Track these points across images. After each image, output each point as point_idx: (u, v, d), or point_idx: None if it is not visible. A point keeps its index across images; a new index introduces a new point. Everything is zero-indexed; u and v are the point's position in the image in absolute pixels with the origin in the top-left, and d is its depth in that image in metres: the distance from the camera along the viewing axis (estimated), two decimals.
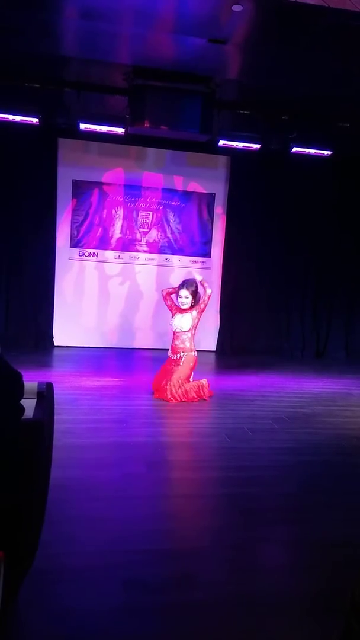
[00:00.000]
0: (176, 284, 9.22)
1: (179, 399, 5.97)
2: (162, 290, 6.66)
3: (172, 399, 5.97)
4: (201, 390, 6.11)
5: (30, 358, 7.39)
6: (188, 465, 4.42)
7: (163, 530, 3.17)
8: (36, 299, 8.73)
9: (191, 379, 6.26)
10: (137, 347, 9.15)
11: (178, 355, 6.26)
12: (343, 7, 4.51)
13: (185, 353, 6.25)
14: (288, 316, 9.67)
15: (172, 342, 6.36)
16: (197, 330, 6.49)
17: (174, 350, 6.32)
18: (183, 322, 6.27)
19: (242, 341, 9.45)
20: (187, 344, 6.27)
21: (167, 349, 6.53)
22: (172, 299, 6.43)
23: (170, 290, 6.50)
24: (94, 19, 5.06)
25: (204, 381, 6.21)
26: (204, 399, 6.09)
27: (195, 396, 6.05)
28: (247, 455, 4.47)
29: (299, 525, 3.33)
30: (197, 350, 6.46)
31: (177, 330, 6.30)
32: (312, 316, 9.76)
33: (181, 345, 6.28)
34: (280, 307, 9.62)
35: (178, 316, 6.30)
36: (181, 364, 6.21)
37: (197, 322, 6.34)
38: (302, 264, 9.54)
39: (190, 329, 6.28)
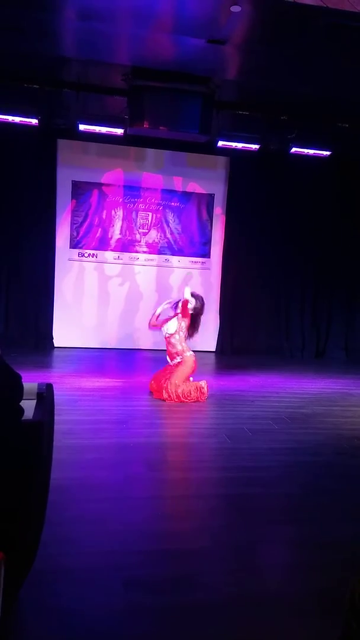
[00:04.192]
0: (176, 285, 9.28)
1: (176, 399, 5.99)
2: (149, 324, 6.66)
3: (169, 398, 6.00)
4: (199, 392, 6.12)
5: (30, 359, 7.39)
6: (188, 465, 4.42)
7: (163, 530, 3.17)
8: (36, 299, 8.74)
9: (191, 379, 6.28)
10: (136, 347, 9.15)
11: (176, 360, 6.31)
12: (341, 7, 4.52)
13: (182, 356, 6.29)
14: (288, 316, 9.67)
15: (167, 349, 6.44)
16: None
17: (170, 356, 6.40)
18: (169, 325, 6.38)
19: (242, 341, 9.46)
20: (179, 347, 6.33)
21: (165, 349, 6.53)
22: (159, 321, 6.51)
23: (156, 320, 6.54)
24: (93, 19, 5.07)
25: (203, 383, 6.22)
26: (200, 401, 6.10)
27: (193, 397, 6.07)
28: (247, 456, 4.47)
29: (299, 525, 3.33)
30: (197, 351, 6.48)
31: (165, 335, 6.40)
32: (311, 316, 9.77)
33: (173, 350, 6.35)
34: (280, 308, 9.62)
35: (168, 323, 6.42)
36: (181, 366, 6.25)
37: (183, 327, 6.37)
38: (302, 264, 9.55)
39: (176, 332, 6.33)
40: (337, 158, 8.54)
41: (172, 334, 6.35)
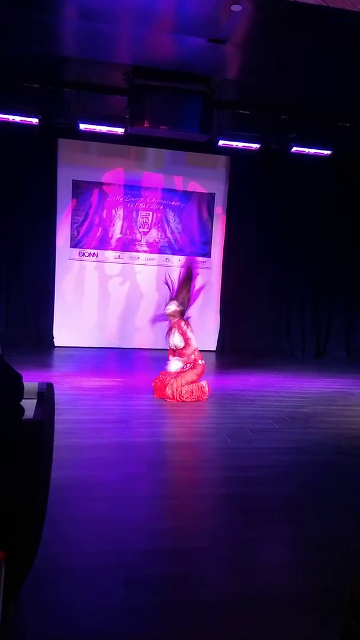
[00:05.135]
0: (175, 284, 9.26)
1: (178, 398, 5.99)
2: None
3: (171, 397, 6.01)
4: (200, 391, 6.12)
5: (30, 358, 7.39)
6: (189, 465, 4.41)
7: (163, 530, 3.17)
8: (36, 299, 8.74)
9: None
10: (137, 347, 9.15)
11: (187, 366, 6.28)
12: (342, 6, 4.52)
13: (193, 363, 6.29)
14: (288, 316, 9.67)
15: (178, 355, 6.39)
16: (197, 329, 6.51)
17: (182, 361, 6.34)
18: (175, 340, 6.34)
19: (242, 341, 9.45)
20: (192, 357, 6.31)
21: (167, 349, 6.53)
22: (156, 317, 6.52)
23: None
24: (94, 19, 5.07)
25: (204, 382, 6.23)
26: (201, 400, 6.10)
27: (195, 397, 6.07)
28: (247, 455, 4.47)
29: (299, 524, 3.33)
30: (197, 350, 6.48)
31: (175, 348, 6.37)
32: (312, 316, 9.76)
33: (186, 359, 6.31)
34: (281, 307, 9.62)
35: (171, 336, 6.37)
36: (187, 370, 6.25)
37: (186, 337, 6.32)
38: (302, 263, 9.54)
39: (185, 345, 6.29)
40: (338, 157, 8.54)
41: (182, 348, 6.31)
